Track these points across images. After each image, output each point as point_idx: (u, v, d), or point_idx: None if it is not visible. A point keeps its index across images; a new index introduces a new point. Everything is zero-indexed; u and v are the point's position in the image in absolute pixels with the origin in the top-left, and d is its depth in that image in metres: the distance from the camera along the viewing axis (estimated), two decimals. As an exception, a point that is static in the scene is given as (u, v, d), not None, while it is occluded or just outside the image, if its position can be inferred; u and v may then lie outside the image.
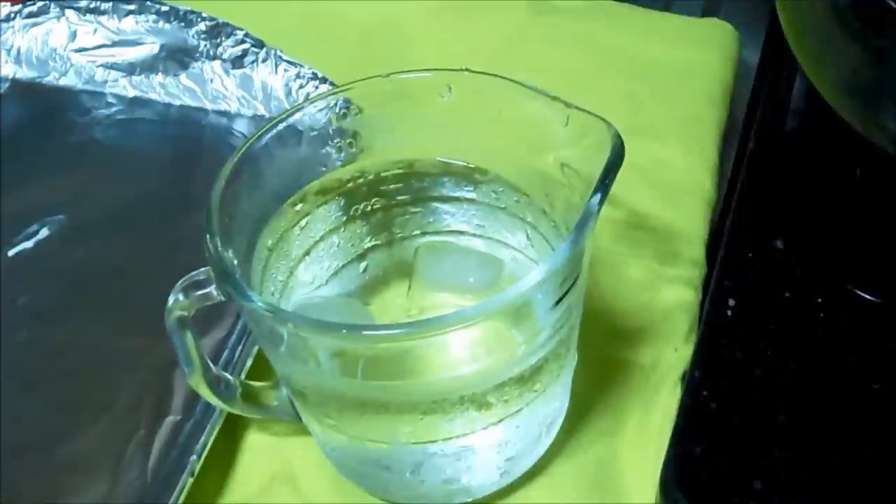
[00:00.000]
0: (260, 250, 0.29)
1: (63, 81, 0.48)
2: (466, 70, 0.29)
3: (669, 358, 0.35)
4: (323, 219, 0.31)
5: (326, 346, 0.26)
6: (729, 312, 0.34)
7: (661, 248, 0.39)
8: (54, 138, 0.45)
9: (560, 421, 0.31)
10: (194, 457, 0.30)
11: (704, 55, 0.48)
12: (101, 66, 0.47)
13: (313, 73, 0.44)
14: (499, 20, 0.51)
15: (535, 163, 0.28)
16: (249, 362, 0.33)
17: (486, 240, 0.32)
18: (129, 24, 0.47)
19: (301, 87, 0.44)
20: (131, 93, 0.47)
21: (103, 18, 0.47)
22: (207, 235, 0.25)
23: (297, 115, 0.29)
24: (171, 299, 0.26)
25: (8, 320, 0.37)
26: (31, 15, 0.48)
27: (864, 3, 0.29)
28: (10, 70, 0.48)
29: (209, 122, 0.46)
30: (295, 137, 0.29)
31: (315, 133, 0.29)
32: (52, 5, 0.47)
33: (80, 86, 0.48)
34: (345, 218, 0.32)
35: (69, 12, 0.47)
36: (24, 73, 0.48)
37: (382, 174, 0.31)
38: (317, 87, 0.44)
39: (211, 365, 0.29)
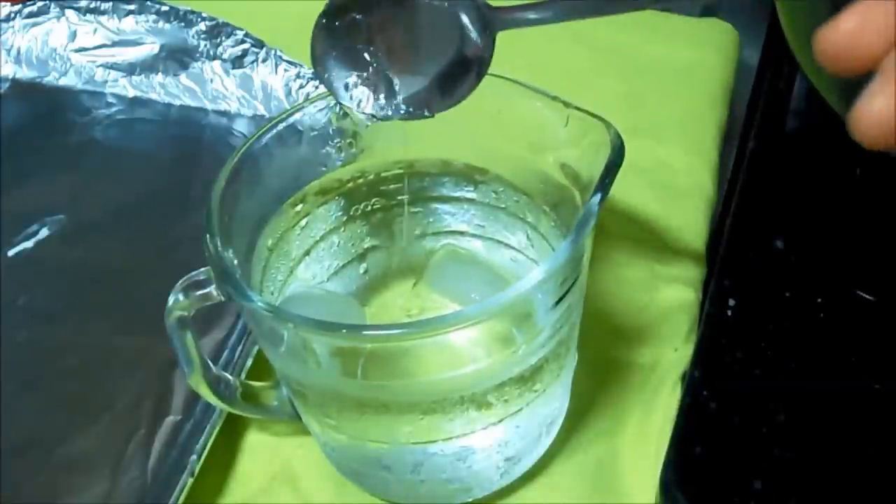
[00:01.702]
0: (260, 250, 0.29)
1: (63, 81, 0.48)
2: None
3: (669, 358, 0.35)
4: (323, 219, 0.31)
5: (326, 345, 0.26)
6: (729, 312, 0.34)
7: (661, 248, 0.39)
8: (54, 138, 0.45)
9: (560, 421, 0.31)
10: (194, 457, 0.30)
11: (704, 55, 0.48)
12: (101, 66, 0.47)
13: (313, 73, 0.44)
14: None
15: (535, 163, 0.28)
16: (249, 362, 0.33)
17: (486, 240, 0.32)
18: (129, 24, 0.47)
19: (301, 87, 0.44)
20: (131, 93, 0.47)
21: (103, 18, 0.47)
22: (207, 235, 0.25)
23: (297, 115, 0.29)
24: (171, 299, 0.26)
25: (8, 320, 0.37)
26: (31, 15, 0.48)
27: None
28: (10, 70, 0.48)
29: (209, 122, 0.46)
30: (295, 137, 0.29)
31: (315, 133, 0.29)
32: (52, 5, 0.47)
33: (80, 86, 0.48)
34: (345, 218, 0.32)
35: (69, 12, 0.47)
36: (24, 73, 0.48)
37: (382, 174, 0.31)
38: (317, 87, 0.44)
39: (211, 365, 0.29)
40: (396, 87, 0.24)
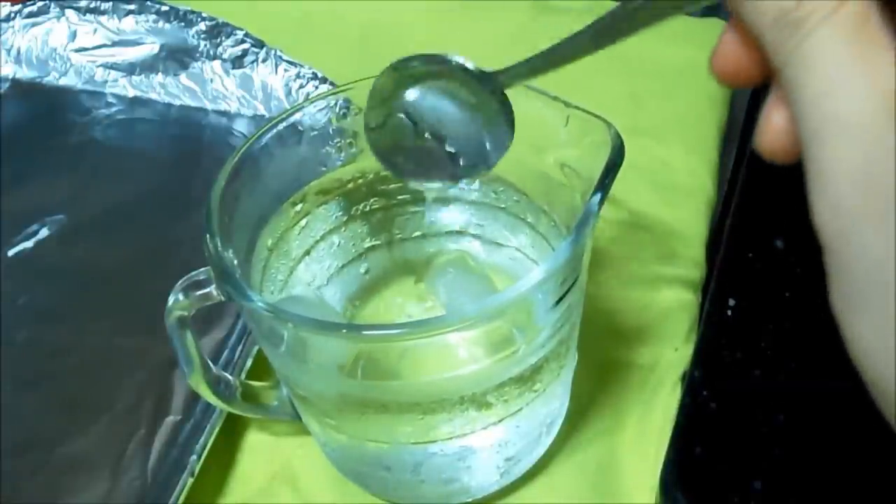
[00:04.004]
0: (260, 250, 0.29)
1: (63, 81, 0.48)
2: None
3: (669, 358, 0.35)
4: (323, 219, 0.31)
5: (326, 345, 0.26)
6: (729, 312, 0.34)
7: (661, 248, 0.39)
8: (54, 138, 0.45)
9: (560, 421, 0.31)
10: (194, 457, 0.30)
11: (704, 55, 0.47)
12: (101, 66, 0.47)
13: (313, 73, 0.44)
14: (500, 20, 0.51)
15: (535, 163, 0.28)
16: (249, 362, 0.33)
17: (486, 240, 0.32)
18: (129, 24, 0.47)
19: (301, 87, 0.44)
20: (131, 93, 0.47)
21: (103, 18, 0.47)
22: (207, 235, 0.25)
23: (297, 115, 0.29)
24: (171, 299, 0.26)
25: (8, 320, 0.37)
26: (31, 15, 0.48)
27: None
28: (10, 70, 0.48)
29: (209, 122, 0.46)
30: (295, 137, 0.29)
31: (315, 133, 0.29)
32: (52, 5, 0.48)
33: (80, 86, 0.48)
34: (345, 218, 0.32)
35: (69, 12, 0.47)
36: (24, 73, 0.48)
37: (382, 174, 0.31)
38: (317, 87, 0.44)
39: (211, 365, 0.29)
40: (455, 154, 0.26)
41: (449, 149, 0.25)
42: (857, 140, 0.15)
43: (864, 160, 0.15)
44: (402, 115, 0.25)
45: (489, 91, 0.24)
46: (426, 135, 0.25)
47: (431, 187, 0.27)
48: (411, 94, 0.25)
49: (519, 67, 0.23)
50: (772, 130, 0.18)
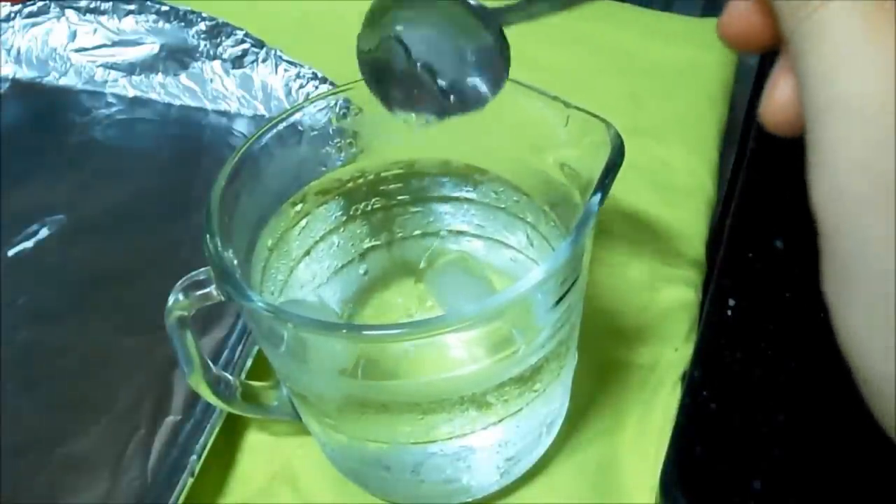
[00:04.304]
0: (260, 250, 0.29)
1: (63, 81, 0.48)
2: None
3: (669, 358, 0.35)
4: (323, 219, 0.31)
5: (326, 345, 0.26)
6: (729, 312, 0.34)
7: (661, 248, 0.39)
8: (54, 138, 0.46)
9: (560, 421, 0.31)
10: (194, 457, 0.30)
11: (704, 55, 0.48)
12: (101, 66, 0.47)
13: (313, 73, 0.44)
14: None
15: (535, 163, 0.28)
16: (249, 362, 0.33)
17: (486, 240, 0.32)
18: (129, 24, 0.47)
19: (301, 87, 0.44)
20: (131, 93, 0.47)
21: (103, 18, 0.47)
22: (207, 235, 0.25)
23: (297, 115, 0.29)
24: (171, 299, 0.26)
25: (8, 320, 0.37)
26: (31, 15, 0.48)
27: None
28: (10, 70, 0.48)
29: (209, 122, 0.46)
30: (295, 137, 0.29)
31: (315, 133, 0.29)
32: (52, 5, 0.48)
33: (80, 86, 0.48)
34: (345, 218, 0.32)
35: (69, 12, 0.47)
36: (24, 73, 0.48)
37: (382, 174, 0.31)
38: (317, 87, 0.44)
39: (211, 365, 0.29)
40: (445, 90, 0.25)
41: (440, 82, 0.25)
42: (863, 123, 0.15)
43: (870, 145, 0.15)
44: (395, 42, 0.24)
45: (487, 28, 0.23)
46: (418, 65, 0.24)
47: (419, 120, 0.26)
48: (406, 21, 0.24)
49: (521, 6, 0.22)
50: (777, 101, 0.17)
